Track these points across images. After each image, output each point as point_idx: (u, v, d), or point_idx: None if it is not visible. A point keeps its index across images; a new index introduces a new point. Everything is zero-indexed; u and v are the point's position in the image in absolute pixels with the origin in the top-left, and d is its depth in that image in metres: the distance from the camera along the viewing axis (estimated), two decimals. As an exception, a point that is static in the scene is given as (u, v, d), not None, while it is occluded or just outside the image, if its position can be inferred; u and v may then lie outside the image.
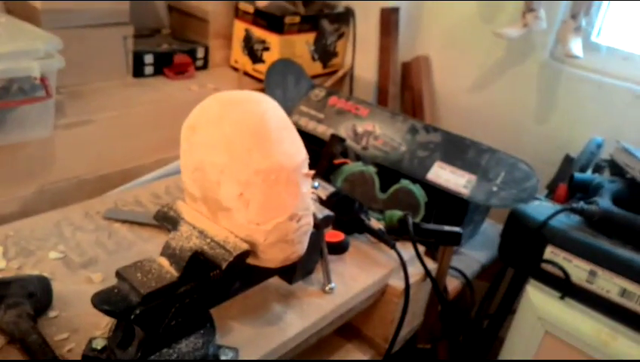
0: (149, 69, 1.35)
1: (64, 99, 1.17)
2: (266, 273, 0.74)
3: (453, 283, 1.23)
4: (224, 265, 0.59)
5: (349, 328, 1.00)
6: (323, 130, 1.37)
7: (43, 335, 0.66)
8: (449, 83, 1.62)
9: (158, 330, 0.60)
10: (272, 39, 1.41)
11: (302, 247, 0.64)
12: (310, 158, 1.39)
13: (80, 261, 0.82)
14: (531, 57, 1.52)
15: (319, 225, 0.71)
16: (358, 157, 1.30)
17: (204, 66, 1.48)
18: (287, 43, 1.43)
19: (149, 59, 1.34)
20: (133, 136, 1.16)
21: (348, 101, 1.41)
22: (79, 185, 1.08)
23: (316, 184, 0.80)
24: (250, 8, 1.42)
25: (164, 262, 0.62)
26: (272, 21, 1.40)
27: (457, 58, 1.59)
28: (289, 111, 1.42)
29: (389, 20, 1.48)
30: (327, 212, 0.72)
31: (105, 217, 0.93)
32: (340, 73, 1.66)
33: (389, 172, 1.25)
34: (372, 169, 1.21)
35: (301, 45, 1.48)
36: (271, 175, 0.59)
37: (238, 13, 1.45)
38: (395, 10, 1.48)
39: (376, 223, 1.05)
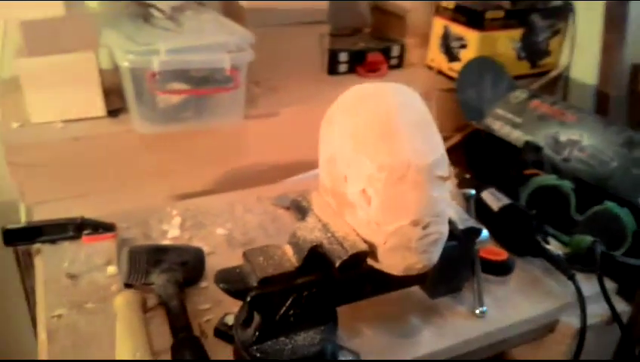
0: (343, 67, 1.38)
1: (262, 92, 1.27)
2: (402, 281, 0.68)
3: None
4: (337, 263, 0.56)
5: None
6: (517, 136, 1.23)
7: (186, 302, 0.72)
8: (696, 89, 1.30)
9: (274, 317, 0.60)
10: (471, 36, 1.32)
11: (428, 258, 0.57)
12: (498, 165, 1.27)
13: (241, 239, 0.88)
14: None
15: (460, 238, 0.62)
16: (555, 170, 1.13)
17: (399, 65, 1.46)
18: (487, 40, 1.31)
19: (343, 57, 1.37)
20: (314, 131, 1.20)
21: (553, 105, 1.24)
22: (262, 172, 1.16)
23: (472, 192, 0.71)
24: (451, 4, 1.34)
25: (289, 250, 0.62)
26: (471, 16, 1.30)
27: None
28: (482, 114, 1.32)
29: (614, 14, 1.25)
30: (471, 223, 0.63)
31: (273, 203, 0.98)
32: (553, 74, 1.47)
33: (590, 191, 1.05)
34: (568, 184, 1.03)
35: (504, 42, 1.35)
36: (395, 172, 0.54)
37: (439, 10, 1.39)
38: (622, 3, 1.24)
39: (558, 247, 0.90)
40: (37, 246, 0.82)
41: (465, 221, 0.63)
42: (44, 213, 0.92)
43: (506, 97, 1.32)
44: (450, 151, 1.49)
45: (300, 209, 0.65)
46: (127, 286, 0.72)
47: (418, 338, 0.70)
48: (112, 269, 0.77)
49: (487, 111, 1.31)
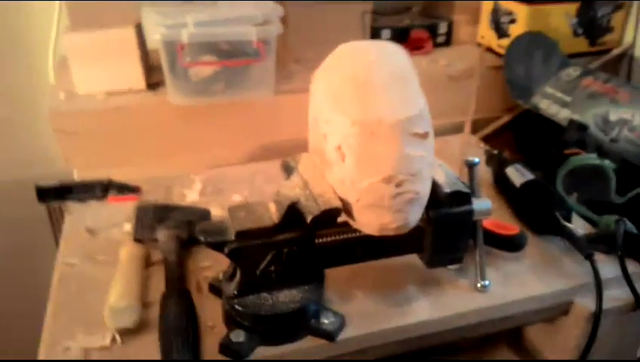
0: (385, 44, 1.35)
1: (302, 69, 1.28)
2: (395, 247, 0.67)
3: None
4: (309, 219, 0.56)
5: (528, 345, 0.84)
6: (565, 116, 1.15)
7: (188, 259, 0.75)
8: None
9: (254, 272, 0.61)
10: (520, 10, 1.25)
11: (404, 218, 0.55)
12: (543, 146, 1.20)
13: (254, 206, 0.90)
14: None
15: (443, 201, 0.60)
16: (601, 151, 1.05)
17: (447, 43, 1.41)
18: (537, 14, 1.24)
19: (386, 34, 1.34)
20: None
21: (606, 83, 1.15)
22: (295, 146, 1.16)
23: (476, 160, 0.68)
24: (500, -23, 1.28)
25: (272, 207, 0.62)
26: (521, -11, 1.24)
27: None
28: (530, 92, 1.25)
29: (682, -20, 1.13)
30: (459, 187, 0.60)
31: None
32: (615, 53, 1.36)
33: (636, 173, 0.97)
34: (609, 164, 0.96)
35: (558, 17, 1.26)
36: (367, 128, 0.53)
37: (489, -16, 1.33)
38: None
39: (585, 226, 0.84)
40: (68, 204, 0.89)
41: (452, 185, 0.60)
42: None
43: (557, 75, 1.24)
44: (499, 132, 1.44)
45: (287, 169, 0.66)
46: (137, 241, 0.76)
47: (410, 307, 0.68)
48: (128, 226, 0.81)
49: (536, 89, 1.24)
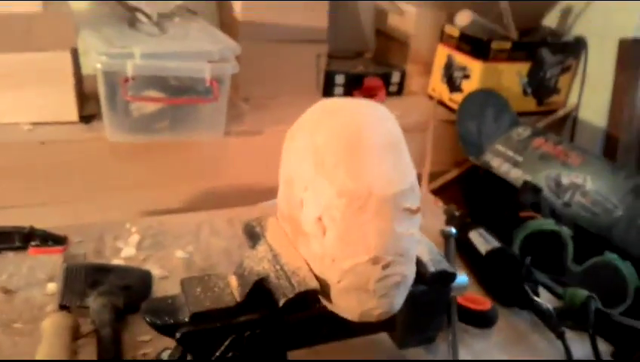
0: (338, 90, 1.32)
1: (249, 109, 1.21)
2: (365, 326, 0.60)
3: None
4: (281, 302, 0.48)
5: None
6: (517, 176, 1.15)
7: (124, 331, 0.64)
8: None
9: (209, 360, 0.52)
10: (474, 66, 1.25)
11: (389, 303, 0.49)
12: (494, 205, 1.19)
13: (201, 265, 0.80)
14: None
15: (428, 281, 0.54)
16: (554, 215, 1.05)
17: (399, 92, 1.40)
18: (491, 71, 1.25)
19: (339, 79, 1.31)
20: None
21: (557, 145, 1.16)
22: (242, 192, 1.09)
23: (453, 230, 0.63)
24: (455, 32, 1.29)
25: (233, 281, 0.54)
26: (476, 45, 1.25)
27: None
28: (482, 149, 1.24)
29: (627, 54, 1.19)
30: (444, 266, 0.55)
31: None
32: (560, 113, 1.40)
33: (591, 240, 0.97)
34: (567, 231, 0.95)
35: (510, 75, 1.28)
36: (356, 201, 0.47)
37: (443, 37, 1.33)
38: (637, 42, 1.18)
39: (550, 300, 0.81)
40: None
41: (437, 263, 0.55)
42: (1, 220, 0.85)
43: (508, 133, 1.24)
44: (447, 186, 1.42)
45: (252, 235, 0.58)
46: (63, 307, 0.64)
47: (380, 394, 0.61)
48: (52, 287, 0.69)
49: (487, 146, 1.24)
